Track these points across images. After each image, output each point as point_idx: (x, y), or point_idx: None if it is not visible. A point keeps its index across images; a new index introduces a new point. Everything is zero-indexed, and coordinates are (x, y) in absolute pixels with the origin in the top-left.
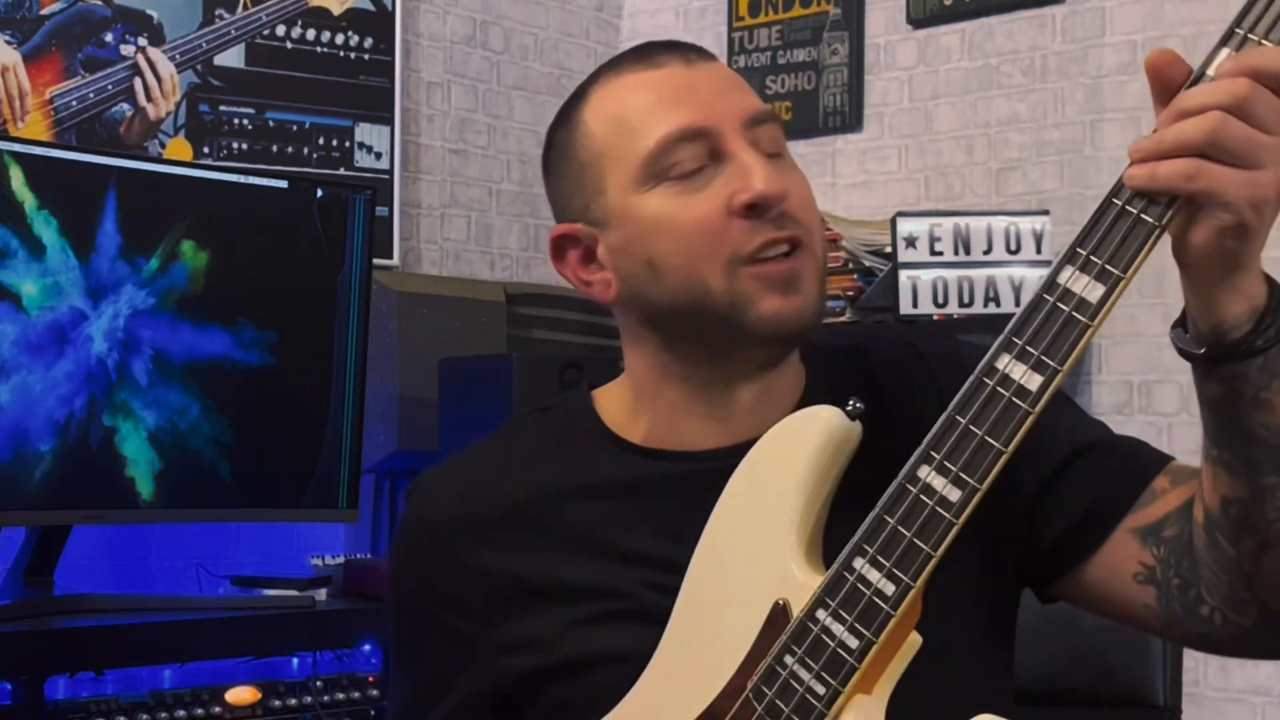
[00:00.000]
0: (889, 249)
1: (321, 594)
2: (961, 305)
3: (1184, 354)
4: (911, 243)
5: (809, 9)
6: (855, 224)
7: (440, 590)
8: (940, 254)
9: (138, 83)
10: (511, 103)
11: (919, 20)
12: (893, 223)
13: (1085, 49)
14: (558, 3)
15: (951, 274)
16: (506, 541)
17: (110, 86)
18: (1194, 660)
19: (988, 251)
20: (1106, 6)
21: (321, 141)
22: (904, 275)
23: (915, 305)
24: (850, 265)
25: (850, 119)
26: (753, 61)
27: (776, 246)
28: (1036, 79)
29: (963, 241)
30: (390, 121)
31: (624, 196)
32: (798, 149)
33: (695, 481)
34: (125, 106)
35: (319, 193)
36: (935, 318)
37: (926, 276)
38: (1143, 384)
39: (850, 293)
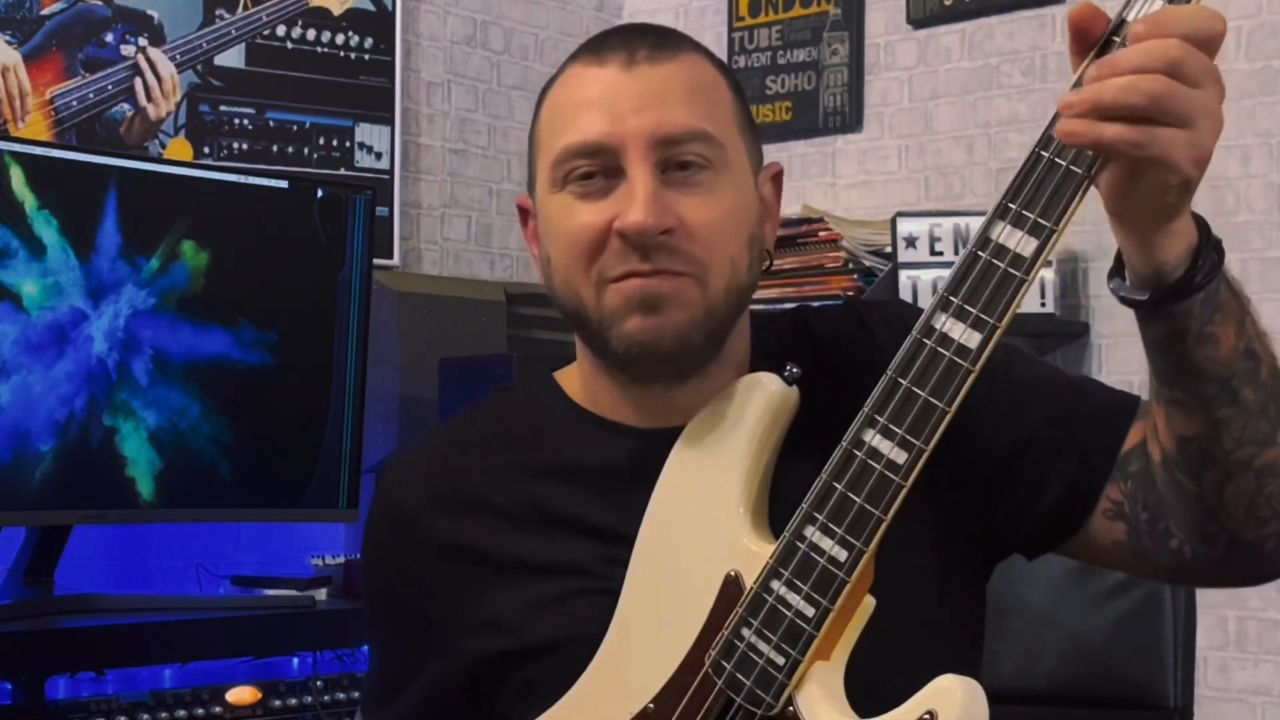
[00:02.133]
0: (889, 249)
1: (321, 594)
2: None
3: (1127, 301)
4: (911, 243)
5: (809, 9)
6: (855, 224)
7: (408, 573)
8: (940, 254)
9: (138, 83)
10: (512, 103)
11: (919, 20)
12: (893, 223)
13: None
14: (558, 3)
15: None
16: (471, 518)
17: (110, 86)
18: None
19: None
20: (1106, 6)
21: (322, 141)
22: (904, 275)
23: (915, 304)
24: (850, 265)
25: (850, 119)
26: (753, 62)
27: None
28: (1037, 79)
29: (963, 241)
30: (390, 122)
31: (541, 189)
32: (798, 149)
33: (653, 458)
34: (125, 106)
35: (319, 193)
36: None
37: (926, 276)
38: (1143, 384)
39: (850, 293)
